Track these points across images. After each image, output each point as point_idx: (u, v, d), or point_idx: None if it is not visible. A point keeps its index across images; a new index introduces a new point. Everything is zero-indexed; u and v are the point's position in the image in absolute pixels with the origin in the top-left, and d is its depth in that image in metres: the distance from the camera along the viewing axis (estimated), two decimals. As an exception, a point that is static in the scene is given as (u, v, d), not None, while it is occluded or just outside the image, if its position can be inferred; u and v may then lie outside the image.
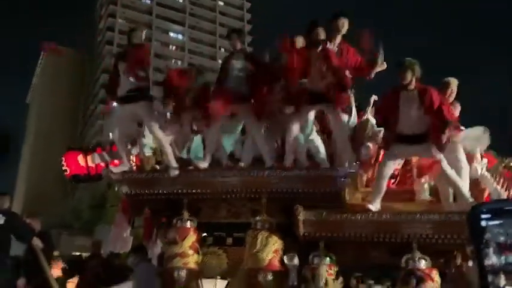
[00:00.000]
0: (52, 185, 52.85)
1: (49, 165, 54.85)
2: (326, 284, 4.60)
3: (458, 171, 4.84)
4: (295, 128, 5.04)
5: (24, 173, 63.54)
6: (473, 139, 5.07)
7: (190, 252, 5.01)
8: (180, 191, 5.28)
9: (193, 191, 5.26)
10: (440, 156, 4.70)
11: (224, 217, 5.35)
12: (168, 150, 5.35)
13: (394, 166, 4.98)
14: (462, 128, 5.36)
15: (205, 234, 5.40)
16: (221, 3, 70.31)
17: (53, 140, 59.05)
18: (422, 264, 4.39)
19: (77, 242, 29.30)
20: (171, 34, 66.64)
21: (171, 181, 5.30)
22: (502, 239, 3.64)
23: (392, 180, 5.98)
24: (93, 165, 6.16)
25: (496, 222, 3.72)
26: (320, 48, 5.00)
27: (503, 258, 3.62)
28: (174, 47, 66.40)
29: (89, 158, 6.14)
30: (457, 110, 6.14)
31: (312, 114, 5.16)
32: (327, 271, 4.63)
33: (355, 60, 5.19)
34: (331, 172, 4.88)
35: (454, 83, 5.29)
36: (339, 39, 5.23)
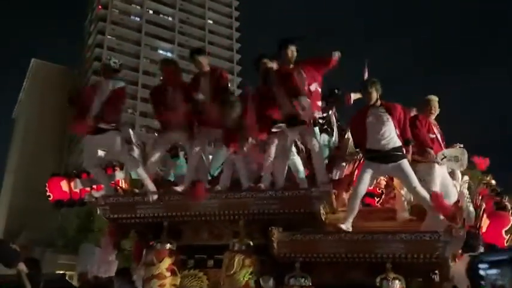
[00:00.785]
0: (37, 201, 52.14)
1: (35, 181, 54.24)
2: None
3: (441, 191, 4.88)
4: (271, 150, 5.19)
5: (8, 188, 62.68)
6: (451, 160, 5.11)
7: (167, 274, 5.06)
8: (159, 214, 5.37)
9: (172, 214, 5.34)
10: (408, 173, 4.75)
11: (206, 239, 5.40)
12: (143, 175, 5.44)
13: (367, 185, 5.00)
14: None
15: (186, 256, 5.43)
16: (210, 22, 70.86)
17: (39, 155, 58.53)
18: (396, 284, 4.37)
19: (61, 260, 28.94)
20: (160, 51, 66.84)
21: (150, 204, 5.39)
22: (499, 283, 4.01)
23: (377, 199, 6.13)
24: (77, 191, 6.10)
25: (494, 271, 4.10)
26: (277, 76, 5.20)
27: None
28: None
29: (72, 183, 6.12)
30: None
31: (291, 136, 5.25)
32: None
33: (314, 65, 5.30)
34: (305, 192, 4.93)
35: (434, 100, 5.37)
36: (292, 66, 5.32)
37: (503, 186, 6.09)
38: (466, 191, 5.44)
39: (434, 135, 5.21)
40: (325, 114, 6.16)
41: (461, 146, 6.13)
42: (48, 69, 68.07)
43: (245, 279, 4.81)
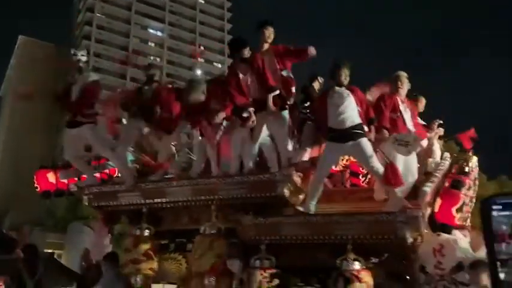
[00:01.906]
0: (25, 181, 51.87)
1: (22, 160, 53.85)
2: (260, 286, 4.65)
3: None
4: (236, 136, 5.23)
5: (-5, 168, 62.22)
6: (401, 144, 5.01)
7: (143, 259, 5.27)
8: (138, 201, 5.65)
9: (149, 200, 5.59)
10: (366, 152, 4.75)
11: (185, 224, 5.54)
12: (120, 165, 5.77)
13: (330, 166, 5.02)
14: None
15: (167, 240, 5.66)
16: (202, 1, 70.04)
17: (26, 134, 57.97)
18: (356, 265, 4.39)
19: (49, 239, 28.87)
20: (150, 31, 66.10)
21: (129, 192, 5.69)
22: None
23: (362, 179, 6.11)
24: (65, 181, 6.34)
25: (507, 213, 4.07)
26: (246, 63, 5.23)
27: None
28: (153, 44, 65.85)
29: (59, 174, 6.38)
30: (421, 105, 6.30)
31: (260, 121, 5.23)
32: (261, 274, 4.67)
33: (286, 51, 5.36)
34: (269, 176, 5.00)
35: (401, 76, 5.29)
36: (267, 47, 5.40)
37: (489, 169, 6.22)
38: (444, 169, 5.44)
39: (397, 115, 5.12)
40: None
41: (441, 122, 6.17)
42: (36, 47, 66.93)
43: (211, 261, 4.91)
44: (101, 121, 5.90)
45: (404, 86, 5.23)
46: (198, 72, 64.62)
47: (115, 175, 6.29)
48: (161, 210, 5.66)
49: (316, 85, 6.13)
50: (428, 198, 4.77)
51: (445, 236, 4.64)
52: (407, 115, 5.16)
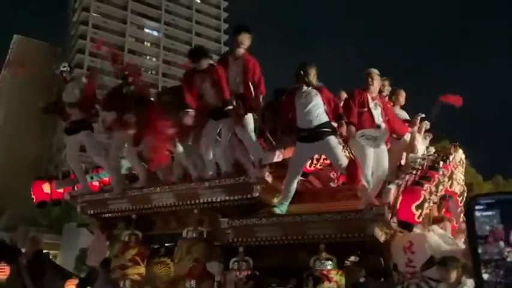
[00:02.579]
0: (20, 181, 51.63)
1: (17, 159, 53.65)
2: None
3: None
4: (205, 142, 5.26)
5: (-10, 167, 61.95)
6: (369, 139, 4.99)
7: (130, 264, 5.42)
8: (126, 208, 5.79)
9: (136, 207, 5.72)
10: (334, 150, 4.75)
11: (174, 228, 5.61)
12: (113, 171, 5.90)
13: (301, 166, 5.00)
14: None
15: (158, 245, 5.79)
16: (198, 1, 69.95)
17: (22, 133, 57.73)
18: (328, 264, 4.43)
19: (45, 240, 28.80)
20: (146, 30, 65.97)
21: (117, 200, 5.84)
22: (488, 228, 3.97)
23: None
24: (61, 190, 6.42)
25: (489, 213, 4.09)
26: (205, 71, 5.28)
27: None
28: (148, 44, 65.71)
29: (54, 184, 6.43)
30: (402, 98, 6.31)
31: (218, 127, 5.30)
32: (237, 276, 4.75)
33: (254, 71, 5.32)
34: (244, 179, 5.03)
35: (372, 73, 5.26)
36: (241, 52, 5.38)
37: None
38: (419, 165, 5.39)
39: (365, 110, 5.09)
40: None
41: (423, 115, 6.13)
42: (31, 46, 66.68)
43: (189, 265, 5.01)
44: (96, 127, 6.03)
45: (375, 83, 5.19)
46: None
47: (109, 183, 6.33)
48: (151, 215, 5.76)
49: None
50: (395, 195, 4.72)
51: (414, 232, 4.53)
52: (377, 111, 5.11)
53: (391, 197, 4.38)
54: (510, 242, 4.26)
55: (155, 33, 66.27)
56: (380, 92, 5.85)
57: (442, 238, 4.87)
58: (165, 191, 5.50)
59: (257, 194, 4.92)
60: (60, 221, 26.91)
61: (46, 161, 57.30)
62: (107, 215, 6.09)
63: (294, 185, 4.93)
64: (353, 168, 4.60)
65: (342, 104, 5.31)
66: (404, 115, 6.19)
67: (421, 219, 4.40)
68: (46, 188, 6.41)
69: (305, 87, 4.91)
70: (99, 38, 60.91)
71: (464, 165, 6.23)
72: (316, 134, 4.76)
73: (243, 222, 4.90)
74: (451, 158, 5.67)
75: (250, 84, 5.22)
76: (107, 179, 6.39)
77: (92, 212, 6.16)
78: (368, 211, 4.30)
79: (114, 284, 5.53)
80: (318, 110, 4.81)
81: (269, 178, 4.97)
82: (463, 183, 6.24)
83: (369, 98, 5.11)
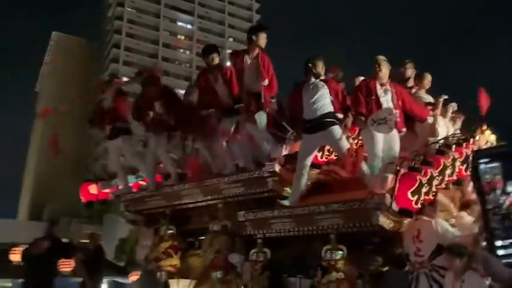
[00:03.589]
0: (62, 173, 53.38)
1: (59, 154, 55.33)
2: (252, 278, 4.88)
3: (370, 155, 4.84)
4: (220, 138, 5.49)
5: (33, 161, 64.14)
6: (381, 123, 4.90)
7: (163, 256, 5.73)
8: (161, 204, 6.17)
9: (169, 203, 6.07)
10: (337, 140, 4.78)
11: (206, 222, 5.79)
12: (149, 172, 6.30)
13: (308, 158, 5.00)
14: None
15: (193, 238, 6.06)
16: (230, -7, 69.95)
17: (62, 127, 59.47)
18: (338, 254, 4.43)
19: (86, 230, 29.68)
20: (180, 23, 66.53)
21: (153, 197, 6.24)
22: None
23: None
24: (107, 191, 6.91)
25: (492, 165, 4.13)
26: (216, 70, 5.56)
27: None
28: (182, 37, 66.30)
29: (99, 185, 7.00)
30: (427, 81, 6.13)
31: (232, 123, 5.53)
32: (252, 266, 4.89)
33: (267, 66, 5.47)
34: (258, 173, 5.16)
35: (379, 59, 5.15)
36: (256, 51, 5.51)
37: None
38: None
39: (372, 98, 4.98)
40: None
41: (446, 97, 5.90)
42: (69, 42, 68.49)
43: (211, 257, 5.28)
44: (135, 131, 6.46)
45: (383, 69, 5.07)
46: (228, 63, 64.82)
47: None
48: (186, 211, 6.04)
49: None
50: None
51: (422, 220, 4.44)
52: (386, 97, 4.99)
53: (388, 185, 4.35)
54: (506, 191, 4.35)
55: (188, 26, 66.76)
56: (403, 76, 5.93)
57: (461, 225, 4.74)
58: (192, 187, 5.78)
59: (271, 187, 5.06)
60: (101, 212, 27.68)
61: (86, 154, 58.86)
62: (146, 212, 6.49)
63: (304, 177, 4.98)
64: (352, 163, 4.69)
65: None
66: (429, 99, 6.01)
67: (419, 205, 4.29)
68: (93, 189, 6.92)
69: (313, 79, 4.98)
70: (134, 32, 61.98)
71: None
72: (320, 125, 4.82)
73: (258, 215, 5.06)
74: (471, 140, 5.43)
75: (264, 82, 5.34)
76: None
77: (133, 209, 6.60)
78: (370, 200, 4.26)
79: (151, 276, 5.90)
80: (323, 100, 4.86)
81: (281, 171, 5.05)
82: None
83: (377, 85, 5.03)
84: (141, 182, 6.78)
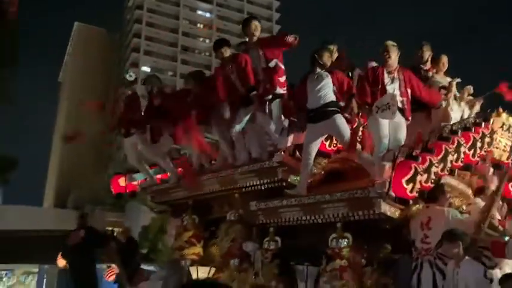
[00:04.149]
0: (86, 161, 54.32)
1: (82, 142, 56.25)
2: (262, 266, 4.98)
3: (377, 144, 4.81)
4: (234, 128, 5.53)
5: (57, 150, 65.34)
6: (384, 109, 4.78)
7: (186, 245, 5.89)
8: (183, 195, 6.34)
9: (190, 194, 6.21)
10: (339, 129, 4.80)
11: (226, 212, 5.88)
12: (167, 166, 6.52)
13: (313, 148, 5.00)
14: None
15: (215, 227, 6.06)
16: (249, -20, 69.52)
17: (84, 116, 60.34)
18: (343, 242, 4.47)
19: (109, 218, 30.27)
20: (199, 12, 66.52)
21: (176, 188, 6.39)
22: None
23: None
24: (135, 183, 7.18)
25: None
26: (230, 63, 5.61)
27: None
28: (201, 26, 66.34)
29: (127, 178, 7.26)
30: (441, 62, 6.05)
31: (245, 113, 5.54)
32: (263, 254, 4.99)
33: (271, 44, 5.61)
34: (268, 163, 5.21)
35: (388, 45, 5.01)
36: (255, 40, 5.61)
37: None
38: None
39: (378, 88, 4.89)
40: None
41: (459, 80, 5.81)
42: (90, 32, 69.13)
43: (227, 245, 5.39)
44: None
45: (393, 55, 4.95)
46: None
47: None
48: (207, 201, 6.17)
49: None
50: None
51: (433, 207, 4.42)
52: (393, 85, 4.89)
53: (386, 174, 4.33)
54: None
55: (208, 14, 66.73)
56: (420, 60, 5.89)
57: (475, 211, 4.71)
58: (210, 177, 5.89)
59: (281, 177, 5.12)
60: (123, 200, 28.12)
61: (108, 142, 59.68)
62: (172, 203, 6.67)
63: (309, 166, 4.98)
64: (351, 137, 4.78)
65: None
66: (445, 82, 5.89)
67: (414, 193, 4.25)
68: (122, 182, 7.16)
69: (318, 70, 5.00)
70: (154, 21, 62.22)
71: (511, 130, 5.64)
72: (323, 114, 4.84)
73: (268, 204, 5.12)
74: (483, 124, 5.24)
75: (269, 69, 5.38)
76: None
77: (159, 200, 6.80)
78: (370, 188, 4.28)
79: (174, 263, 6.11)
80: (325, 90, 4.88)
81: (290, 161, 5.10)
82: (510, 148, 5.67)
83: (385, 73, 4.94)
84: (165, 175, 6.97)
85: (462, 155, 4.84)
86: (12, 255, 12.62)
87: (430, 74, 6.02)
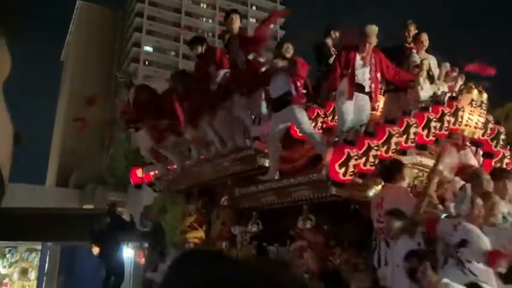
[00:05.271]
0: (87, 141, 54.38)
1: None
2: (242, 247, 5.40)
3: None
4: (216, 121, 5.85)
5: (59, 129, 65.44)
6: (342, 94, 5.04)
7: (189, 230, 6.23)
8: (188, 183, 6.74)
9: (194, 182, 6.61)
10: (295, 117, 4.96)
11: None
12: (174, 157, 6.95)
13: (276, 136, 5.20)
14: None
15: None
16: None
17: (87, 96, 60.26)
18: (307, 223, 4.69)
19: (111, 197, 30.41)
20: (203, -9, 65.84)
21: (182, 177, 6.83)
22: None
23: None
24: (152, 173, 7.64)
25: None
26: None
27: None
28: (205, 5, 65.72)
29: (144, 169, 7.76)
30: (420, 40, 6.05)
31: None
32: (242, 237, 5.40)
33: (246, 38, 5.87)
34: (249, 151, 5.50)
35: (368, 28, 5.10)
36: (236, 31, 5.94)
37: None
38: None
39: (348, 71, 5.03)
40: None
41: (425, 59, 5.79)
42: (93, 12, 68.51)
43: (218, 229, 5.83)
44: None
45: (373, 42, 5.12)
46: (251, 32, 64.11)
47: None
48: (210, 188, 6.49)
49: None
50: None
51: (388, 186, 4.50)
52: (363, 70, 5.06)
53: (328, 158, 4.47)
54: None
55: (212, -6, 66.08)
56: (406, 39, 6.04)
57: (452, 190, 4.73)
58: (205, 166, 6.27)
59: (260, 164, 5.36)
60: (126, 179, 28.30)
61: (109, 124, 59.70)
62: (184, 191, 7.02)
63: (275, 152, 5.20)
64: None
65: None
66: (429, 58, 5.95)
67: (348, 176, 4.36)
68: (139, 173, 7.66)
69: (275, 60, 5.29)
70: (157, 0, 61.67)
71: (483, 106, 5.53)
72: (281, 103, 5.04)
73: (247, 190, 5.47)
74: (446, 102, 5.21)
75: (249, 57, 5.61)
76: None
77: (172, 188, 7.17)
78: (319, 171, 4.47)
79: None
80: (283, 80, 5.07)
81: (266, 147, 5.32)
82: (483, 125, 5.58)
83: (357, 58, 5.07)
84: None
85: (413, 136, 4.85)
86: (15, 232, 12.78)
87: (415, 52, 6.02)
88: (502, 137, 5.62)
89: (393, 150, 4.70)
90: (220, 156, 5.99)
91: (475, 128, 5.48)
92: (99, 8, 69.49)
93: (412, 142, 4.87)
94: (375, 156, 4.52)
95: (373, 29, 5.09)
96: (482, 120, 5.51)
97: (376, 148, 4.53)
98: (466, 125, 5.40)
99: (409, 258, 3.55)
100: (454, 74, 6.05)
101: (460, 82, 6.00)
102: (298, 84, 5.11)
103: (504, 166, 5.58)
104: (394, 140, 4.68)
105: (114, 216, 7.86)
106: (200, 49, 6.08)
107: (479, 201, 3.84)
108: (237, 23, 5.83)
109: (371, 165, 4.53)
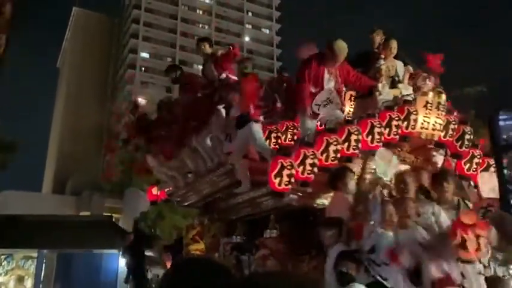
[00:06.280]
0: (83, 147, 54.31)
1: (80, 127, 56.22)
2: (224, 257, 5.63)
3: None
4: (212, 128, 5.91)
5: (56, 135, 65.27)
6: (326, 104, 5.06)
7: (191, 242, 6.49)
8: (195, 199, 6.90)
9: (198, 198, 6.79)
10: (251, 135, 5.09)
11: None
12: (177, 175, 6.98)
13: (240, 152, 5.33)
14: None
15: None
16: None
17: (83, 103, 60.25)
18: (272, 233, 4.95)
19: (108, 204, 30.37)
20: (199, -2, 66.04)
21: (187, 193, 6.97)
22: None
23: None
24: (165, 190, 7.92)
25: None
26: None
27: None
28: (201, 12, 65.90)
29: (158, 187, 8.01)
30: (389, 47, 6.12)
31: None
32: (224, 247, 5.70)
33: (217, 57, 6.15)
34: (229, 166, 5.57)
35: (343, 48, 5.11)
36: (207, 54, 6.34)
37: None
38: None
39: (318, 89, 5.12)
40: None
41: (382, 62, 5.88)
42: (89, 18, 68.58)
43: (208, 241, 6.17)
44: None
45: (343, 57, 5.19)
46: (247, 39, 64.36)
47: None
48: (212, 202, 6.59)
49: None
50: None
51: (335, 194, 4.69)
52: (329, 85, 5.18)
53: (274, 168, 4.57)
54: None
55: (207, 0, 66.26)
56: (378, 46, 6.11)
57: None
58: (203, 182, 6.33)
59: (236, 179, 5.43)
60: (122, 185, 28.20)
61: (107, 130, 59.71)
62: (192, 206, 7.31)
63: (243, 167, 5.28)
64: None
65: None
66: (398, 64, 6.05)
67: (283, 185, 4.46)
68: (155, 190, 7.80)
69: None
70: (153, 7, 61.81)
71: (440, 107, 5.54)
72: (241, 122, 5.20)
73: (229, 203, 5.75)
74: (396, 108, 5.24)
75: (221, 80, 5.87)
76: None
77: (183, 204, 7.44)
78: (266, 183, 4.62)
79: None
80: (243, 100, 5.27)
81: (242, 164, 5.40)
82: (442, 127, 5.52)
83: (325, 72, 5.14)
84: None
85: (354, 143, 4.91)
86: (12, 240, 12.74)
87: (382, 58, 6.05)
88: (468, 137, 5.54)
89: (333, 158, 4.79)
90: (209, 171, 6.12)
91: (433, 130, 5.47)
92: (95, 15, 69.57)
93: (354, 149, 4.94)
94: (312, 165, 4.61)
95: (343, 47, 5.11)
96: (441, 121, 5.48)
97: (312, 157, 4.62)
98: (422, 128, 5.40)
99: (337, 263, 3.82)
100: (424, 75, 6.02)
101: (429, 84, 5.89)
102: (255, 100, 5.31)
103: (474, 166, 5.57)
104: (332, 148, 4.77)
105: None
106: (174, 75, 6.52)
107: (390, 207, 4.05)
108: (207, 49, 6.28)
109: (308, 174, 4.62)
